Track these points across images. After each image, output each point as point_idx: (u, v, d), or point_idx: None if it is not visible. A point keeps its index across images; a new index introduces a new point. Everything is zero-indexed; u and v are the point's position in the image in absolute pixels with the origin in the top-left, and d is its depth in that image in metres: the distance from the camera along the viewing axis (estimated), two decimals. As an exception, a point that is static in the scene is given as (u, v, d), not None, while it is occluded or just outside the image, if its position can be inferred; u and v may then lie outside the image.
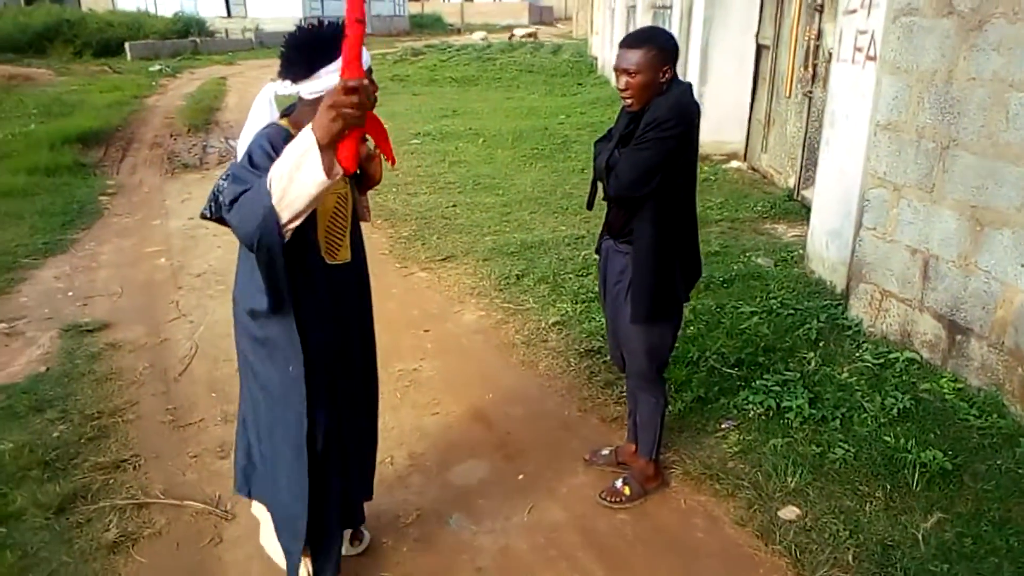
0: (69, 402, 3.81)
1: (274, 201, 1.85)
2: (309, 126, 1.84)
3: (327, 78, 2.01)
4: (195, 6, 37.76)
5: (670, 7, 11.20)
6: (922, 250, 3.85)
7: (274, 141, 2.02)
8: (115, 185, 8.62)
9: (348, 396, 2.42)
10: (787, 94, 7.69)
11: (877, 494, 2.95)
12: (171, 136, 11.73)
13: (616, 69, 2.60)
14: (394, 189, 7.99)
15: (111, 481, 3.20)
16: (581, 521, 2.93)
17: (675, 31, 10.61)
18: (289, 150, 1.85)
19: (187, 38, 29.71)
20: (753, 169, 8.97)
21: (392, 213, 7.11)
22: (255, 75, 20.51)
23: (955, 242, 3.63)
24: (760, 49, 8.87)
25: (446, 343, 4.44)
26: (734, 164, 9.20)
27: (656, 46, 2.56)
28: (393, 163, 2.43)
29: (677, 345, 3.99)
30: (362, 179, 2.47)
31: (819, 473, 3.08)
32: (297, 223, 1.90)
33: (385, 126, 2.24)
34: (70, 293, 5.34)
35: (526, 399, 3.81)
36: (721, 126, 9.21)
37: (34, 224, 6.82)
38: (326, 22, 2.07)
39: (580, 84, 17.80)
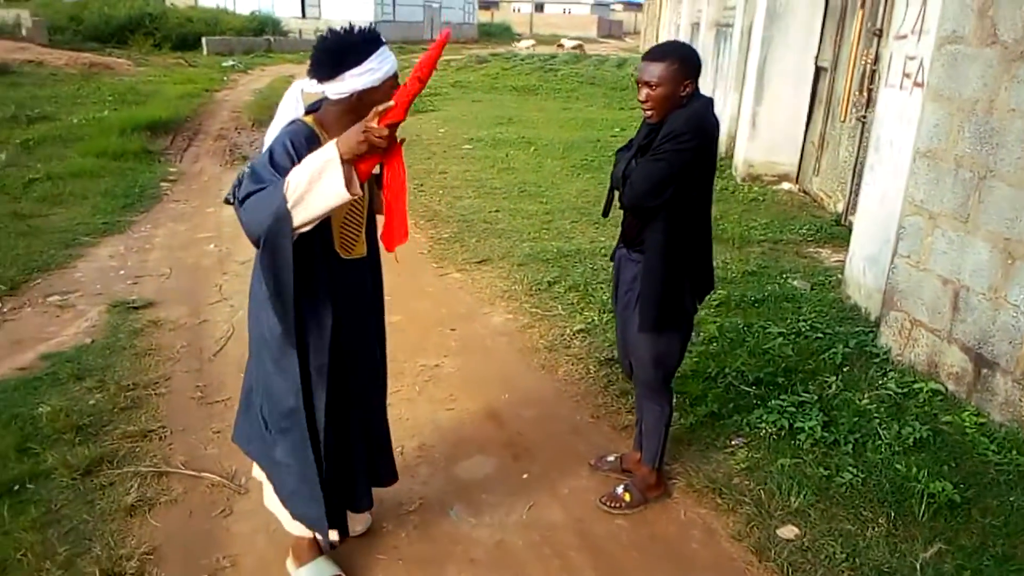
0: (108, 373, 4.01)
1: (289, 204, 1.99)
2: (335, 141, 2.04)
3: (351, 81, 2.11)
4: (272, 6, 38.92)
5: (731, 26, 11.15)
6: (953, 280, 3.79)
7: (295, 139, 2.13)
8: (177, 172, 8.98)
9: (363, 387, 2.52)
10: (842, 118, 7.59)
11: (880, 521, 2.91)
12: (235, 129, 12.14)
13: (638, 81, 2.66)
14: (440, 192, 8.14)
15: (137, 449, 3.37)
16: (579, 523, 2.97)
17: (735, 50, 10.56)
18: (312, 159, 2.03)
19: (261, 36, 30.65)
20: (804, 192, 8.85)
21: (436, 215, 7.25)
22: (322, 75, 20.99)
23: (986, 274, 3.57)
24: (819, 71, 8.76)
25: (471, 343, 4.53)
26: (785, 186, 9.10)
27: (677, 59, 2.60)
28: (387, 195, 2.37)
29: (696, 359, 4.03)
30: (382, 176, 2.54)
31: (824, 495, 3.06)
32: (308, 228, 2.03)
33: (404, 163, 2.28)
34: (122, 271, 5.60)
35: (540, 402, 3.86)
36: (774, 147, 9.12)
37: (96, 205, 7.16)
38: (356, 28, 2.15)
39: (640, 99, 17.75)
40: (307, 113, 2.27)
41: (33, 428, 3.45)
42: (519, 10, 64.84)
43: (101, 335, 4.50)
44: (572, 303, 5.02)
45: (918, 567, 2.68)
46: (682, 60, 2.61)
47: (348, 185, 2.00)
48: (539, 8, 64.15)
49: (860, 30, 7.25)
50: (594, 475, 3.27)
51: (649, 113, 2.67)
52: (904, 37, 4.72)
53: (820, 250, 6.63)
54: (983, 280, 3.59)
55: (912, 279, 4.09)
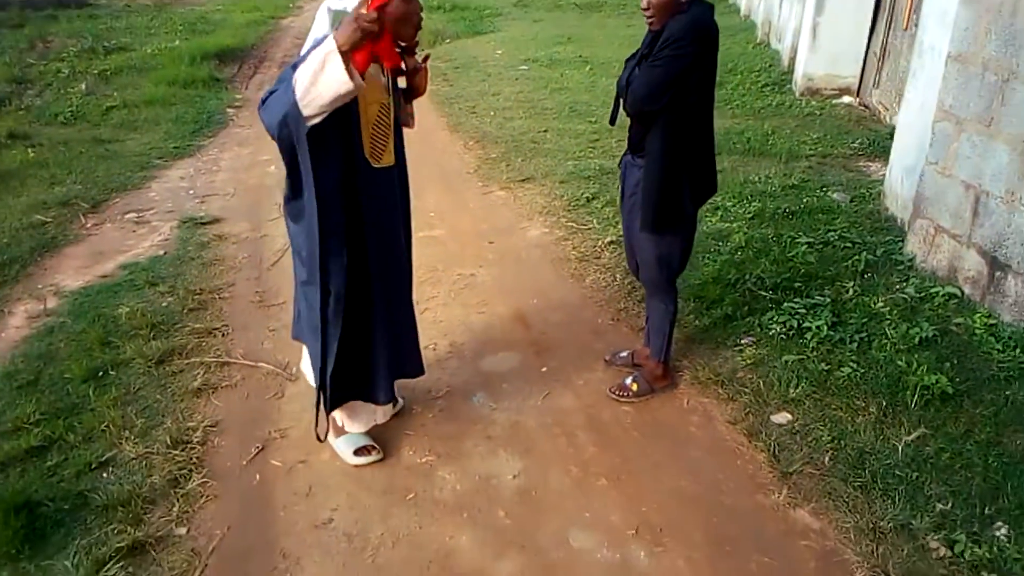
0: (178, 280, 4.46)
1: (298, 97, 2.21)
2: (332, 34, 2.21)
3: None
4: (337, -71, 38.62)
5: (799, -68, 10.70)
6: (975, 185, 3.82)
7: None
8: (242, 99, 9.38)
9: (388, 282, 2.74)
10: (904, 26, 7.37)
11: (871, 409, 3.11)
12: (298, 54, 12.43)
13: None
14: (491, 113, 8.30)
15: (203, 343, 3.80)
16: (588, 409, 3.27)
17: (799, -42, 10.16)
18: (315, 54, 2.22)
19: (327, -39, 30.59)
20: (864, 105, 8.64)
21: (485, 135, 7.44)
22: (386, -1, 21.00)
23: (1005, 177, 3.60)
24: (883, -22, 8.42)
25: (506, 254, 4.79)
26: (845, 99, 8.88)
27: None
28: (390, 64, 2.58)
29: (719, 267, 4.22)
30: (408, 90, 2.72)
31: (821, 387, 3.26)
32: (318, 119, 2.27)
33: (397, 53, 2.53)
34: (191, 191, 6.04)
35: (566, 306, 4.12)
36: (836, 60, 8.85)
37: (168, 130, 7.62)
38: None
39: (707, 13, 17.23)
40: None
41: (114, 325, 3.92)
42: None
43: (172, 247, 4.95)
44: (607, 217, 5.20)
45: (899, 449, 2.88)
46: None
47: (350, 75, 2.17)
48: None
49: (924, -68, 6.95)
50: (608, 369, 3.54)
51: (651, 20, 2.80)
52: (948, -61, 4.59)
53: (870, 164, 6.57)
54: (1001, 184, 3.63)
55: (938, 185, 4.12)
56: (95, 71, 9.85)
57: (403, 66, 2.61)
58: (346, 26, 2.19)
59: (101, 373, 3.51)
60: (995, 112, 3.66)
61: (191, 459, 2.96)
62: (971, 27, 3.84)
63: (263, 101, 2.36)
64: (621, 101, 2.98)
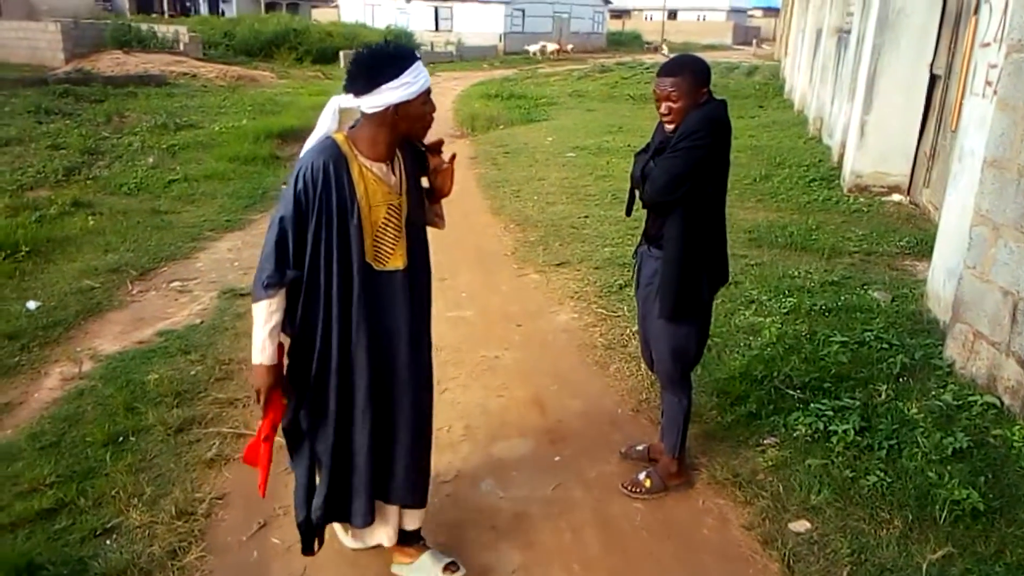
0: (210, 349, 4.56)
1: (256, 305, 2.32)
2: (258, 361, 2.36)
3: (387, 94, 2.20)
4: (407, 20, 40.75)
5: (851, 32, 10.86)
6: (1013, 292, 3.70)
7: (314, 173, 2.24)
8: (298, 176, 9.74)
9: (383, 401, 2.48)
10: (952, 127, 7.32)
11: (896, 523, 2.95)
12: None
13: (658, 96, 2.84)
14: (535, 197, 8.44)
15: (223, 414, 3.85)
16: (598, 503, 3.17)
17: (851, 56, 10.28)
18: (256, 334, 2.35)
19: (395, 49, 32.10)
20: (914, 204, 8.53)
21: (526, 219, 7.55)
22: (448, 85, 21.93)
23: (1043, 286, 3.48)
24: (934, 79, 8.43)
25: (532, 338, 4.78)
26: (895, 197, 8.78)
27: (690, 72, 2.80)
28: None
29: (747, 362, 4.12)
30: (431, 191, 2.59)
31: (844, 495, 3.11)
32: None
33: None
34: (236, 263, 6.24)
35: (587, 394, 4.07)
36: (884, 157, 8.82)
37: (223, 204, 7.95)
38: (391, 43, 2.32)
39: (761, 107, 17.47)
40: (347, 129, 2.35)
41: (141, 391, 4.00)
42: (651, 18, 64.36)
43: (210, 317, 5.08)
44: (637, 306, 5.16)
45: (924, 568, 2.71)
46: (694, 73, 2.80)
47: (261, 356, 2.34)
48: (672, 16, 63.37)
49: (972, 37, 6.98)
50: (623, 463, 3.46)
51: (669, 123, 2.85)
52: (988, 45, 4.61)
53: (916, 264, 6.42)
54: (1040, 292, 3.50)
55: (976, 290, 4.00)
56: (164, 146, 10.41)
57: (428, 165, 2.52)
58: (261, 377, 2.38)
59: (121, 438, 3.57)
60: (1033, 218, 3.57)
61: (193, 531, 2.96)
62: (1007, 132, 3.79)
63: (266, 242, 2.30)
64: (637, 192, 3.02)
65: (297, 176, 2.25)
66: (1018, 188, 3.68)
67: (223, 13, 43.73)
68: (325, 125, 2.32)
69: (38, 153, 9.60)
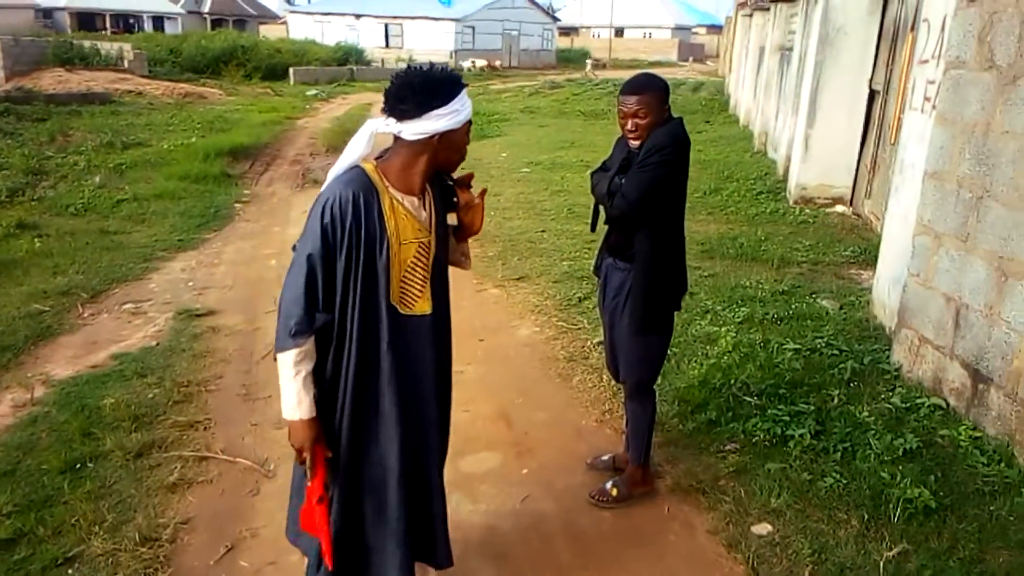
0: (167, 372, 4.48)
1: (280, 348, 2.08)
2: (296, 422, 2.10)
3: (435, 121, 2.03)
4: (357, 36, 40.64)
5: (792, 50, 11.21)
6: (955, 298, 3.87)
7: (343, 203, 2.04)
8: (250, 195, 9.65)
9: (414, 447, 2.31)
10: (891, 140, 7.60)
11: (853, 522, 3.05)
12: (310, 155, 12.86)
13: (624, 113, 2.92)
14: (492, 213, 8.49)
15: (184, 437, 3.79)
16: (567, 514, 3.22)
17: (793, 73, 10.61)
18: (287, 392, 2.10)
19: (345, 66, 32.03)
20: (856, 215, 8.82)
21: (484, 234, 7.52)
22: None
23: (983, 291, 3.65)
24: (873, 94, 8.75)
25: (495, 352, 4.82)
26: (839, 208, 9.07)
27: (654, 89, 2.89)
28: None
29: (705, 371, 4.22)
30: (459, 228, 2.43)
31: (803, 497, 3.21)
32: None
33: None
34: (190, 283, 6.15)
35: (551, 407, 4.12)
36: (828, 170, 9.11)
37: (175, 223, 7.82)
38: (440, 67, 2.12)
39: (708, 122, 17.85)
40: (374, 159, 2.16)
41: (97, 416, 3.92)
42: (599, 35, 65.26)
43: (165, 338, 5.00)
44: (597, 318, 5.21)
45: (881, 565, 2.81)
46: (659, 89, 2.90)
47: (298, 409, 2.09)
48: (619, 33, 64.35)
49: (910, 54, 7.28)
50: (589, 473, 3.50)
51: (635, 139, 2.93)
52: (926, 62, 4.82)
53: (861, 272, 6.65)
54: (980, 297, 3.67)
55: (921, 297, 4.18)
56: (111, 165, 10.21)
57: (456, 200, 2.35)
58: (300, 434, 2.11)
59: (79, 465, 3.49)
60: (971, 228, 3.75)
61: (158, 557, 2.91)
62: (946, 146, 3.98)
63: (285, 286, 2.11)
64: (602, 209, 3.09)
65: (324, 208, 2.04)
66: (958, 199, 3.86)
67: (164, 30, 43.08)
68: (357, 151, 2.12)
69: (-22, 174, 9.33)
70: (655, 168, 2.84)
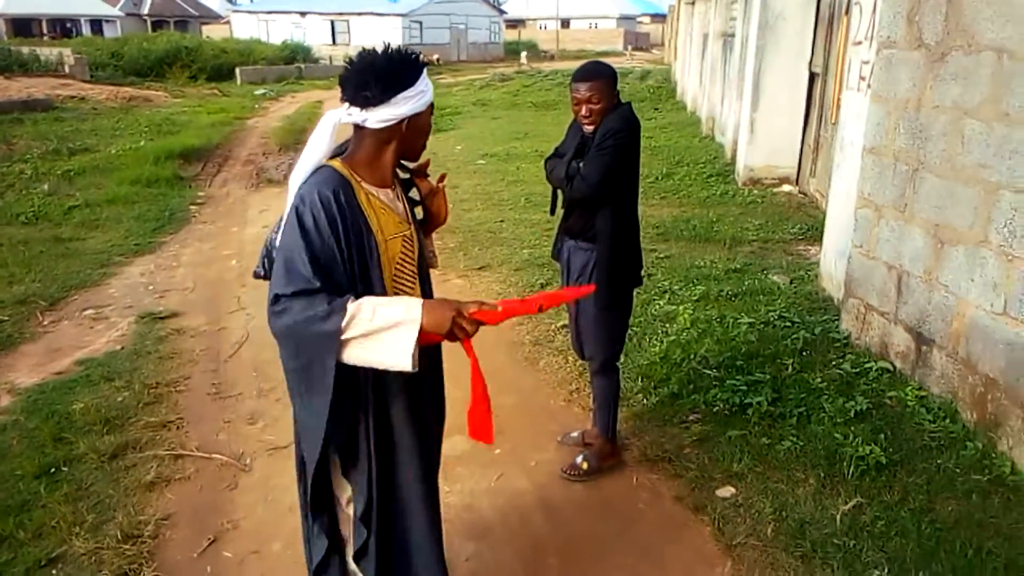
0: (134, 374, 4.48)
1: (344, 336, 1.78)
2: (421, 305, 1.81)
3: (403, 105, 1.89)
4: (303, 34, 40.16)
5: (735, 36, 11.47)
6: (896, 266, 4.08)
7: (326, 207, 1.86)
8: (205, 196, 9.57)
9: (431, 475, 2.29)
10: (832, 120, 7.86)
11: (811, 481, 3.23)
12: (263, 154, 12.76)
13: (578, 100, 3.05)
14: (450, 205, 8.52)
15: (157, 437, 3.82)
16: (541, 490, 3.34)
17: (736, 58, 10.86)
18: (390, 308, 1.81)
19: (293, 64, 31.64)
20: (803, 193, 9.10)
21: (444, 226, 7.64)
22: (348, 99, 21.68)
23: (922, 258, 3.86)
24: (813, 76, 9.03)
25: (462, 340, 4.91)
26: (785, 188, 9.35)
27: (605, 76, 3.02)
28: None
29: (665, 347, 4.37)
30: (426, 220, 2.33)
31: (762, 461, 3.39)
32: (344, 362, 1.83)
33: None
34: (151, 287, 6.11)
35: (520, 390, 4.24)
36: (773, 151, 9.38)
37: (130, 228, 7.74)
38: (397, 47, 1.94)
39: (657, 109, 18.12)
40: (332, 157, 1.99)
41: (68, 421, 3.92)
42: (545, 27, 65.46)
43: (130, 342, 4.99)
44: (560, 302, 5.38)
45: (837, 519, 2.99)
46: (610, 76, 3.03)
47: (414, 359, 1.80)
48: (565, 24, 64.63)
49: (845, 37, 7.54)
50: (560, 449, 3.63)
51: (589, 125, 3.06)
52: (859, 44, 5.04)
53: (809, 248, 6.89)
54: (919, 264, 3.89)
55: (865, 267, 4.39)
56: (58, 172, 10.02)
57: (416, 194, 2.24)
58: (442, 314, 1.83)
59: (53, 469, 3.50)
60: (908, 199, 3.95)
61: (142, 553, 2.95)
62: (882, 122, 4.18)
63: (274, 297, 1.82)
64: (560, 192, 3.21)
65: (300, 215, 1.85)
66: (895, 172, 4.07)
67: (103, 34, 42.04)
68: (321, 147, 1.94)
69: (-81, 186, 9.10)
70: (612, 151, 2.98)
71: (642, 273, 3.32)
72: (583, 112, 3.06)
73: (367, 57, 1.91)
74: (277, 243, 1.94)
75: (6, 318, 5.31)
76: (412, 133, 1.97)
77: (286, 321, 1.80)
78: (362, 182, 1.96)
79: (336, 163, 1.96)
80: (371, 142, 1.95)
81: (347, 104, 1.91)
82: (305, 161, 1.94)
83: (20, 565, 2.88)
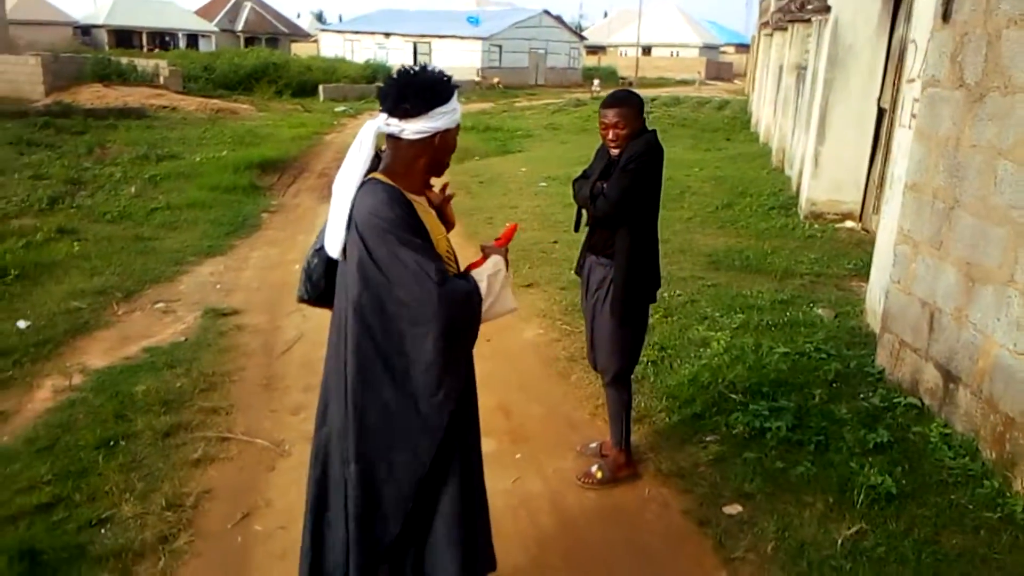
0: (194, 364, 4.82)
1: (484, 308, 2.13)
2: (501, 258, 2.26)
3: (438, 119, 2.07)
4: (387, 55, 41.45)
5: (807, 68, 11.44)
6: (930, 303, 4.09)
7: (404, 209, 2.06)
8: (277, 205, 10.07)
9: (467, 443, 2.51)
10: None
11: (818, 505, 3.29)
12: (337, 168, 13.26)
13: (605, 125, 3.24)
14: (507, 224, 8.78)
15: (208, 420, 4.12)
16: (554, 495, 3.49)
17: (808, 91, 10.83)
18: (493, 270, 2.20)
19: (374, 83, 32.67)
20: (865, 230, 9.00)
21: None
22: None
23: (953, 296, 3.87)
24: (881, 112, 8.95)
25: (500, 352, 5.10)
26: (848, 224, 9.26)
27: (632, 104, 3.21)
28: None
29: (695, 370, 4.47)
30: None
31: (774, 483, 3.45)
32: None
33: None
34: (218, 286, 6.52)
35: (549, 401, 4.39)
36: (838, 186, 9.30)
37: (205, 231, 8.24)
38: (430, 67, 2.15)
39: (728, 139, 18.08)
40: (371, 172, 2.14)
41: (130, 401, 4.26)
42: (626, 53, 65.69)
43: (193, 334, 5.35)
44: (599, 321, 5.52)
45: (839, 543, 3.04)
46: (636, 104, 3.22)
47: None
48: (647, 52, 64.75)
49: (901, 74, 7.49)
50: (579, 459, 3.77)
51: (615, 148, 3.24)
52: (912, 81, 5.06)
53: (862, 284, 6.82)
54: (951, 302, 3.90)
55: (901, 303, 4.40)
56: (145, 176, 10.69)
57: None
58: (504, 256, 2.28)
59: (112, 442, 3.82)
60: (944, 236, 3.98)
61: (181, 520, 3.23)
62: (923, 159, 4.21)
63: (439, 280, 2.02)
64: (585, 211, 3.39)
65: (379, 223, 2.02)
66: (932, 209, 4.09)
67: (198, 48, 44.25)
68: (363, 157, 2.09)
69: (21, 183, 9.82)
70: (634, 174, 3.16)
71: (659, 292, 3.46)
72: (610, 136, 3.24)
73: (408, 74, 2.09)
74: (349, 263, 2.10)
75: (85, 306, 5.76)
76: (442, 148, 2.14)
77: (457, 301, 2.07)
78: (404, 191, 2.11)
79: (383, 177, 2.11)
80: (404, 154, 2.11)
81: (386, 115, 2.07)
82: (351, 168, 2.09)
83: (73, 523, 3.19)
